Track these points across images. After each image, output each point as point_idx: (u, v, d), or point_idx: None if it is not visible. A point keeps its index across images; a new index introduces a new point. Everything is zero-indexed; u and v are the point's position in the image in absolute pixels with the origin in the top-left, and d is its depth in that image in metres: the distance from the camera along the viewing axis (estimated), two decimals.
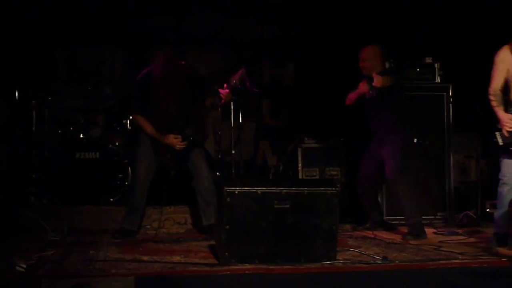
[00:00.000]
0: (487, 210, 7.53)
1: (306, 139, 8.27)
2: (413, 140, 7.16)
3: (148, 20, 9.76)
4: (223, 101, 6.67)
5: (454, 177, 7.79)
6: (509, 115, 5.72)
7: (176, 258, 5.26)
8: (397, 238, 6.51)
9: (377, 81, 6.49)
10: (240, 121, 8.86)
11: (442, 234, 6.77)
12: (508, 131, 5.69)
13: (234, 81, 6.62)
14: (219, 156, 8.91)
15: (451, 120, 7.63)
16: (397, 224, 7.19)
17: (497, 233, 5.85)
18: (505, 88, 5.81)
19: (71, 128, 8.15)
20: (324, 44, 9.15)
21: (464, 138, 7.96)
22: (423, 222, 6.64)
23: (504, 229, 5.76)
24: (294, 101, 10.03)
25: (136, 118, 6.71)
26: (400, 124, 6.71)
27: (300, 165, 8.14)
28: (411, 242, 6.23)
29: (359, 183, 7.06)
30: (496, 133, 5.78)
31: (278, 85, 10.25)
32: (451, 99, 7.62)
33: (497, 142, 5.78)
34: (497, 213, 5.86)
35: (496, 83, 5.80)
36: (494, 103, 5.78)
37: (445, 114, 7.66)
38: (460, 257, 5.33)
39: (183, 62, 6.75)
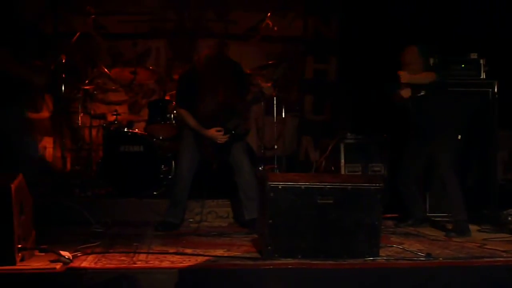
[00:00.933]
0: None
1: (348, 134, 8.24)
2: (458, 136, 7.10)
3: (192, 13, 9.82)
4: (265, 95, 6.67)
5: (499, 174, 7.72)
6: None
7: (219, 252, 5.28)
8: (440, 235, 6.47)
9: (404, 78, 6.49)
10: (283, 116, 8.85)
11: (486, 232, 6.70)
12: None
13: (276, 75, 6.63)
14: (262, 151, 8.92)
15: (496, 117, 7.55)
16: (440, 221, 7.13)
17: None
18: None
19: (115, 121, 8.22)
20: (368, 39, 9.10)
21: (510, 135, 7.88)
22: (468, 220, 6.59)
23: None
24: (337, 96, 10.00)
25: (180, 112, 6.78)
26: (450, 121, 6.67)
27: (342, 160, 8.10)
28: (455, 239, 6.19)
29: (402, 181, 7.01)
30: None
31: (321, 80, 10.22)
32: (497, 95, 7.54)
33: None
34: None
35: None
36: None
37: (490, 111, 7.59)
38: (504, 255, 5.28)
39: (226, 55, 6.78)
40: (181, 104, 6.74)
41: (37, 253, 4.91)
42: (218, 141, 6.57)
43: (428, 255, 5.09)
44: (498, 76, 7.51)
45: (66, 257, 4.66)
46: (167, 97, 8.29)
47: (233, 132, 6.64)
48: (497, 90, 7.54)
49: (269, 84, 6.60)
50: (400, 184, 7.04)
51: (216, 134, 6.57)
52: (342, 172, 8.05)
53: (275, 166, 8.54)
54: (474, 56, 7.69)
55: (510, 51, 5.87)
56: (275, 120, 8.72)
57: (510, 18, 7.91)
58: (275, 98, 8.65)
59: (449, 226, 6.67)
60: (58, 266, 4.55)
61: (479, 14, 8.33)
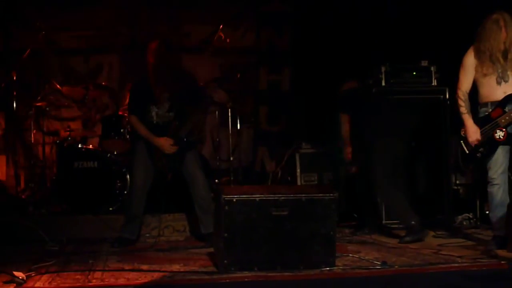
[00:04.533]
0: (486, 212, 7.50)
1: (304, 144, 8.27)
2: (411, 143, 7.19)
3: (143, 27, 9.79)
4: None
5: (452, 180, 7.81)
6: (476, 127, 5.81)
7: (175, 267, 5.25)
8: (396, 242, 6.50)
9: None
10: (238, 127, 8.86)
11: (441, 237, 6.76)
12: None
13: None
14: (217, 163, 8.91)
15: (448, 123, 7.64)
16: (396, 228, 7.18)
17: (496, 236, 5.86)
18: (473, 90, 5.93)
19: (69, 138, 8.14)
20: (319, 49, 9.15)
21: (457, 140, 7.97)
22: (420, 222, 6.61)
23: (503, 232, 5.77)
24: (292, 106, 10.04)
25: (131, 119, 6.75)
26: (386, 128, 6.70)
27: (298, 170, 8.14)
28: (411, 246, 6.23)
29: (359, 187, 7.06)
30: (461, 141, 5.94)
31: (275, 91, 10.25)
32: (448, 102, 7.62)
33: (464, 150, 5.93)
34: (492, 215, 5.90)
35: (465, 85, 5.90)
36: (462, 109, 5.88)
37: (442, 117, 7.67)
38: (459, 261, 5.32)
39: (178, 65, 6.78)
40: (133, 112, 6.70)
41: None
42: (166, 151, 6.53)
43: (384, 263, 5.11)
44: (449, 83, 7.60)
45: (20, 277, 4.59)
46: (120, 112, 8.24)
47: (185, 139, 6.61)
48: (448, 96, 7.63)
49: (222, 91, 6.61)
50: (359, 191, 7.09)
51: (165, 143, 6.53)
52: (298, 182, 8.08)
53: (230, 178, 8.55)
54: (425, 63, 7.79)
55: (460, 59, 5.97)
56: (230, 132, 8.72)
57: (460, 25, 8.01)
58: (229, 110, 8.67)
59: (403, 233, 6.71)
60: (11, 287, 4.48)
61: (429, 21, 8.42)
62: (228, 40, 8.84)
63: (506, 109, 5.71)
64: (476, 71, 5.83)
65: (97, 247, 6.45)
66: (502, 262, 5.17)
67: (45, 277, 4.85)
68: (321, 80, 8.91)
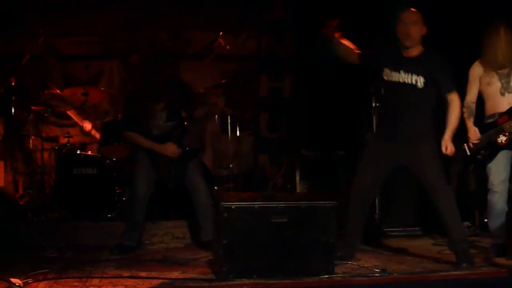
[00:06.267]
0: (485, 220, 7.48)
1: (304, 151, 8.25)
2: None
3: (144, 34, 9.77)
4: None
5: (454, 187, 7.78)
6: (476, 128, 5.92)
7: (174, 274, 5.23)
8: (396, 250, 6.48)
9: None
10: (238, 134, 8.85)
11: (441, 245, 6.73)
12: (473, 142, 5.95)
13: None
14: (217, 170, 8.90)
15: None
16: (396, 235, 7.15)
17: (495, 244, 5.86)
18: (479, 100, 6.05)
19: (68, 144, 8.13)
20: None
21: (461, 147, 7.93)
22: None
23: (502, 239, 5.78)
24: (292, 113, 10.02)
25: (128, 135, 6.69)
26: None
27: (298, 178, 8.11)
28: (411, 253, 6.21)
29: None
30: (464, 144, 6.00)
31: (276, 98, 10.24)
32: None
33: (465, 152, 6.01)
34: (491, 223, 5.93)
35: (471, 96, 6.00)
36: (465, 115, 5.96)
37: (444, 123, 7.63)
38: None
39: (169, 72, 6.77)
40: (128, 127, 6.65)
41: None
42: (170, 156, 6.51)
43: (383, 270, 5.11)
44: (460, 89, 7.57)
45: (17, 284, 4.59)
46: (120, 118, 8.20)
47: (187, 148, 6.60)
48: None
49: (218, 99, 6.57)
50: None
51: (169, 147, 6.50)
52: (298, 189, 8.05)
53: (230, 185, 8.53)
54: None
55: (464, 65, 6.04)
56: (230, 139, 8.71)
57: (465, 29, 8.00)
58: (229, 116, 8.66)
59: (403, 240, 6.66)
60: None
61: (435, 26, 8.40)
62: (228, 47, 8.83)
63: None
64: (481, 83, 5.97)
65: (96, 254, 6.42)
66: (502, 270, 5.17)
67: (42, 284, 4.85)
68: (323, 87, 8.88)
